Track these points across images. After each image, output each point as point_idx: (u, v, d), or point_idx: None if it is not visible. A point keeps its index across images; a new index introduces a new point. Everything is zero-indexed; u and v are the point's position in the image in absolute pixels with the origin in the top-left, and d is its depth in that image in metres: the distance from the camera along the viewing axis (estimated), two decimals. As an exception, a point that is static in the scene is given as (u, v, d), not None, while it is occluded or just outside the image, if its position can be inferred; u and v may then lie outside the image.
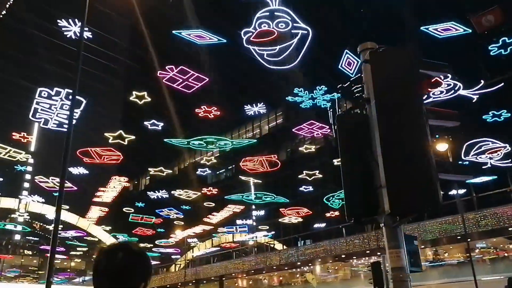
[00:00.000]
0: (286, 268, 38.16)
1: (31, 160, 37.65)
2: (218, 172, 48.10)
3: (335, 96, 21.22)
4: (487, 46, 17.86)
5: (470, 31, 17.09)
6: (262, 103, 22.73)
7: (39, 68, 41.76)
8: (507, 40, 16.96)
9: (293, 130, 23.36)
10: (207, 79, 19.28)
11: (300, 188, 31.33)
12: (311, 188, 30.96)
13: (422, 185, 3.98)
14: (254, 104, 22.82)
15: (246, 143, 26.33)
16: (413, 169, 4.06)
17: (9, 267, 50.20)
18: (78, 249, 51.22)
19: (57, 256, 49.70)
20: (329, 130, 22.55)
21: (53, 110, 22.48)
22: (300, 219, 36.93)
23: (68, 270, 56.01)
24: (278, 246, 43.14)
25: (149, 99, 21.38)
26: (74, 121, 23.19)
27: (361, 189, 4.59)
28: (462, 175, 4.31)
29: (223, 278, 42.67)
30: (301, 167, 28.75)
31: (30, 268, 52.75)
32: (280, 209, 35.30)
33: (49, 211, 45.99)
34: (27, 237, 51.68)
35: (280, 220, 37.45)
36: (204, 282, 44.73)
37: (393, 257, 4.29)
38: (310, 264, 37.09)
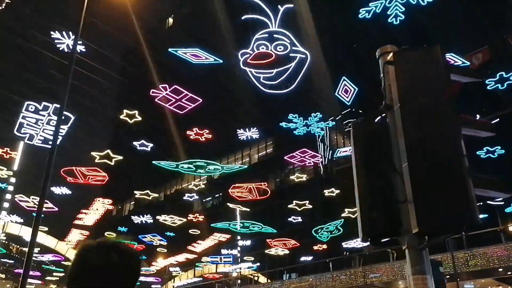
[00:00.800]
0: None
1: (13, 178, 36.29)
2: (205, 200, 47.12)
3: (329, 124, 20.88)
4: (484, 81, 17.81)
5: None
6: (255, 128, 22.30)
7: (27, 81, 41.03)
8: (504, 74, 16.93)
9: (285, 157, 22.87)
10: (200, 100, 18.84)
11: (289, 219, 30.56)
12: (300, 219, 30.22)
13: (458, 199, 3.44)
14: (247, 129, 22.38)
15: (237, 169, 25.69)
16: (446, 182, 3.52)
17: (-21, 291, 47.81)
18: (54, 274, 49.21)
19: (31, 281, 47.81)
20: (320, 159, 22.10)
21: (39, 126, 21.78)
22: (286, 251, 35.97)
23: (44, 296, 53.52)
24: (262, 279, 41.82)
25: (139, 118, 20.79)
26: (60, 138, 22.46)
27: (380, 205, 4.04)
28: (498, 191, 3.78)
29: (206, 310, 41.17)
30: (291, 197, 28.12)
31: (2, 292, 50.15)
32: (267, 240, 34.34)
33: (27, 233, 44.24)
34: (1, 260, 49.45)
35: (266, 251, 36.44)
36: (186, 314, 43.08)
37: (419, 284, 3.70)
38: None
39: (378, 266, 28.39)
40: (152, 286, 49.47)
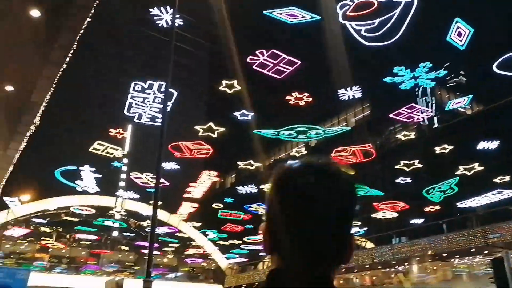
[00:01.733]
0: (379, 267, 35.82)
1: (125, 157, 38.98)
2: None
3: (440, 73, 19.00)
4: None
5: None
6: (358, 86, 21.12)
7: (129, 60, 43.05)
8: None
9: (390, 115, 21.42)
10: (299, 63, 18.21)
11: (396, 180, 28.97)
12: (409, 180, 28.51)
13: None
14: (348, 89, 21.29)
15: (339, 131, 24.74)
16: None
17: (107, 262, 53.14)
18: (170, 245, 52.79)
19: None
20: (429, 114, 20.33)
21: (146, 104, 22.85)
22: (395, 214, 34.47)
23: (161, 266, 57.96)
24: (369, 244, 40.76)
25: (238, 88, 20.78)
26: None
27: None
28: None
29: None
30: (397, 157, 26.50)
31: (126, 263, 55.36)
32: (374, 204, 33.08)
33: (143, 209, 47.93)
34: (123, 234, 54.35)
35: (373, 215, 35.25)
36: (293, 279, 43.72)
37: None
38: (406, 264, 34.45)
39: (500, 225, 26.04)
40: (260, 254, 51.04)
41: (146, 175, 32.12)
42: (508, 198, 26.53)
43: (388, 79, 19.71)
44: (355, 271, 37.90)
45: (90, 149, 28.69)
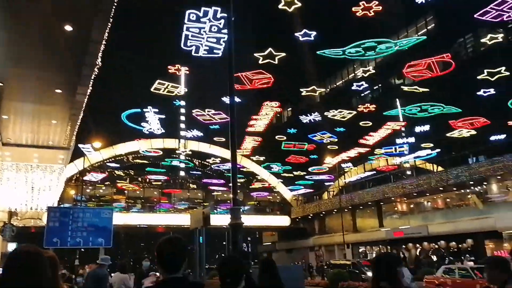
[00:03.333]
0: (454, 189, 34.20)
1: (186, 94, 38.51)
2: (376, 87, 43.89)
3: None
4: None
5: None
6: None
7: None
8: None
9: (475, 15, 18.77)
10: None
11: (478, 93, 26.33)
12: (492, 91, 25.82)
13: None
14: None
15: (413, 42, 22.34)
16: None
17: (178, 200, 55.36)
18: (236, 181, 53.72)
19: (217, 188, 53.11)
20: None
21: (202, 34, 21.75)
22: (473, 132, 32.01)
23: (228, 201, 59.61)
24: (440, 168, 38.72)
25: (299, 4, 19.00)
26: (222, 44, 22.09)
27: None
28: None
29: (381, 203, 40.56)
30: (481, 66, 23.72)
31: (196, 200, 57.30)
32: (450, 122, 30.73)
33: (205, 148, 48.61)
34: (190, 172, 55.93)
35: (448, 134, 33.00)
36: (361, 207, 43.27)
37: None
38: (484, 184, 32.52)
39: None
40: (326, 183, 50.74)
41: (208, 111, 31.75)
42: None
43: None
44: (427, 194, 36.63)
45: (152, 89, 28.51)
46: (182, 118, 45.52)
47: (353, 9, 19.01)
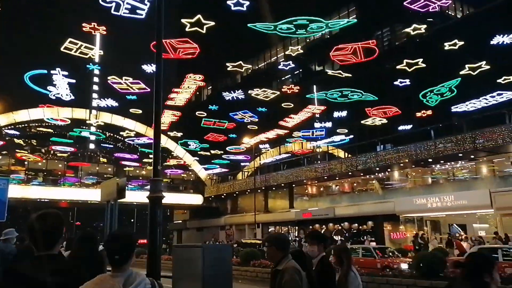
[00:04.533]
0: (361, 174, 35.96)
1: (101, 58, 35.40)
2: (301, 70, 44.16)
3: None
4: None
5: None
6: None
7: None
8: None
9: (404, 3, 19.25)
10: None
11: (395, 83, 27.54)
12: (407, 82, 27.14)
13: None
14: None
15: (344, 24, 22.49)
16: None
17: (86, 174, 52.03)
18: (150, 156, 51.75)
19: (130, 163, 50.60)
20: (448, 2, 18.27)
21: (125, -9, 19.86)
22: (384, 121, 33.67)
23: (140, 177, 57.44)
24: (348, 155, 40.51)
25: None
26: (147, 5, 20.33)
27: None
28: None
29: (293, 185, 41.51)
30: (401, 56, 24.73)
31: (105, 175, 54.26)
32: (366, 109, 31.97)
33: (119, 120, 45.81)
34: (101, 145, 52.68)
35: (362, 121, 34.38)
36: (273, 189, 43.94)
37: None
38: (388, 170, 34.59)
39: (490, 130, 25.64)
40: (242, 164, 50.75)
41: (126, 79, 29.52)
42: (505, 101, 25.78)
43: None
44: (337, 178, 38.14)
45: (62, 49, 25.66)
46: (96, 86, 42.25)
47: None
